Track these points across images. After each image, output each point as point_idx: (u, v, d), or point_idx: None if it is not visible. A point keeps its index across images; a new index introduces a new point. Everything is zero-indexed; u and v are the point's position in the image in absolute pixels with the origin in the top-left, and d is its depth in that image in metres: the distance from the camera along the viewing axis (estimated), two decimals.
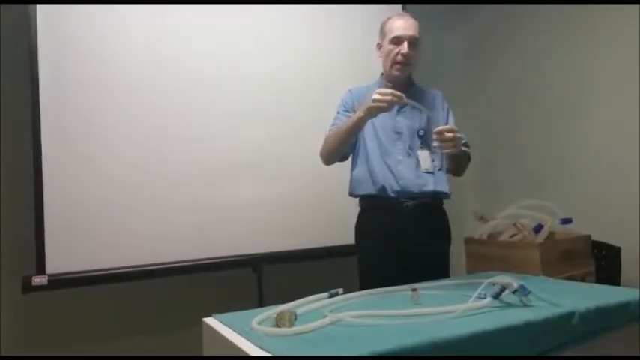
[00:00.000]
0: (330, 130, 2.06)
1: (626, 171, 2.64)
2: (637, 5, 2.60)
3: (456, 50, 3.65)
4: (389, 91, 1.75)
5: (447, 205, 2.09)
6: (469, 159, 2.11)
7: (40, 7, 2.25)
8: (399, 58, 1.96)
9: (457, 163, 2.03)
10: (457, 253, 2.70)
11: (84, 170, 2.30)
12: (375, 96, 1.75)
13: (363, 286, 1.62)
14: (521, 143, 3.26)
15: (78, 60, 2.33)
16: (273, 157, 2.65)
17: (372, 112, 1.78)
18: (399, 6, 3.11)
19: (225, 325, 1.32)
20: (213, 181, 2.54)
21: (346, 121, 1.94)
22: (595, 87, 2.83)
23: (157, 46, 2.47)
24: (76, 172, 2.29)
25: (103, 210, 2.32)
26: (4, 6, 2.44)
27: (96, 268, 2.28)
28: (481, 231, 2.60)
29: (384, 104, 1.74)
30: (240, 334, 1.22)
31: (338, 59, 2.85)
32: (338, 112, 2.09)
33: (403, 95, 1.77)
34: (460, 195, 3.48)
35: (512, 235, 2.49)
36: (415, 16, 2.04)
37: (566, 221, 2.43)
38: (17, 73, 2.35)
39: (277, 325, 1.21)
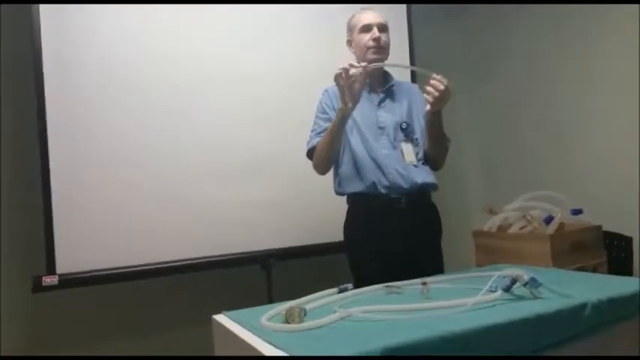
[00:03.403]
0: (312, 134, 2.04)
1: (637, 160, 2.60)
2: (637, 5, 2.57)
3: (457, 47, 3.62)
4: (344, 67, 1.76)
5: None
6: (447, 148, 2.06)
7: (42, 7, 2.25)
8: (371, 43, 1.98)
9: (438, 149, 2.00)
10: (465, 246, 2.69)
11: (91, 170, 2.31)
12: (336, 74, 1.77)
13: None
14: (526, 135, 3.23)
15: (82, 60, 2.32)
16: (278, 154, 2.64)
17: (348, 93, 1.77)
18: (401, 6, 3.08)
19: (235, 322, 1.33)
20: (220, 179, 2.53)
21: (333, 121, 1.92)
22: (598, 77, 2.80)
23: (158, 46, 2.46)
24: (84, 172, 2.29)
25: (111, 209, 2.32)
26: (6, 6, 2.44)
27: (105, 267, 2.28)
28: (490, 223, 2.58)
29: (345, 72, 1.75)
30: (250, 330, 1.22)
31: (338, 59, 2.82)
32: (316, 117, 2.07)
33: (365, 63, 1.80)
34: (464, 188, 3.48)
35: (522, 227, 2.47)
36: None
37: (577, 212, 2.40)
38: (21, 74, 2.35)
39: (287, 322, 1.21)
